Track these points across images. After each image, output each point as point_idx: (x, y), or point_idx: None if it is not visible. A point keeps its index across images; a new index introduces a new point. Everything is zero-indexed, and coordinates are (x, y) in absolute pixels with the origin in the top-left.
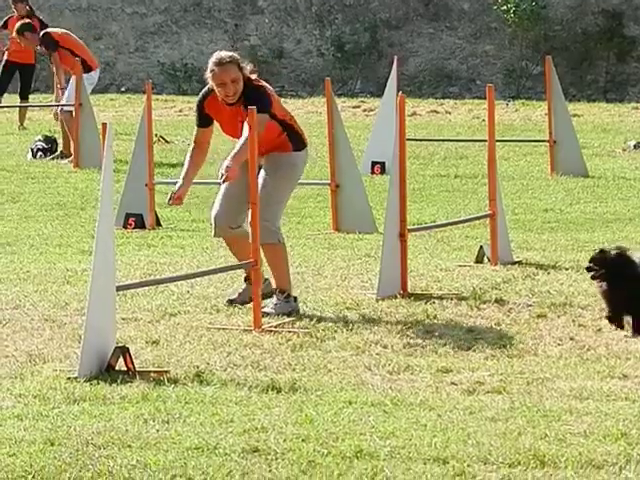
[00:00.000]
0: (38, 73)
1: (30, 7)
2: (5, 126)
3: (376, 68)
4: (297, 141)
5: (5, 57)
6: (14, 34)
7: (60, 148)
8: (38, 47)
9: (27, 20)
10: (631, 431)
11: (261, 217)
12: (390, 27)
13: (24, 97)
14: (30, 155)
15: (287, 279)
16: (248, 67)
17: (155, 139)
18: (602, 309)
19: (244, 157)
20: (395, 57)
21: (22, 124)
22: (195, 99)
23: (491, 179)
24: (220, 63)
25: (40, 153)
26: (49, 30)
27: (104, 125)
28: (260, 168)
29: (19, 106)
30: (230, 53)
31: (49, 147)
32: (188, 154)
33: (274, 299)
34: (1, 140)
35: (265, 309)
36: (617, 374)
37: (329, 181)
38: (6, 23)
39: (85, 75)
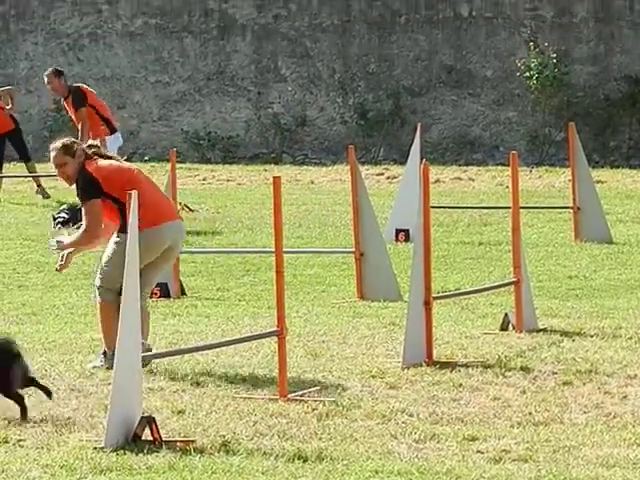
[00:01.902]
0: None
1: None
2: (29, 196)
3: (399, 135)
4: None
5: None
6: (47, 74)
7: None
8: (62, 98)
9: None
10: None
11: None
12: (413, 94)
13: (27, 159)
14: (55, 225)
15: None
16: (89, 151)
17: (179, 208)
18: (628, 376)
19: (78, 246)
20: (418, 124)
21: (41, 187)
22: (219, 167)
23: (515, 246)
24: (50, 149)
25: (59, 226)
26: (80, 85)
27: (129, 195)
28: None
29: (31, 175)
30: (64, 140)
31: (70, 217)
32: None
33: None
34: (25, 210)
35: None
36: None
37: (353, 249)
38: None
39: (113, 136)
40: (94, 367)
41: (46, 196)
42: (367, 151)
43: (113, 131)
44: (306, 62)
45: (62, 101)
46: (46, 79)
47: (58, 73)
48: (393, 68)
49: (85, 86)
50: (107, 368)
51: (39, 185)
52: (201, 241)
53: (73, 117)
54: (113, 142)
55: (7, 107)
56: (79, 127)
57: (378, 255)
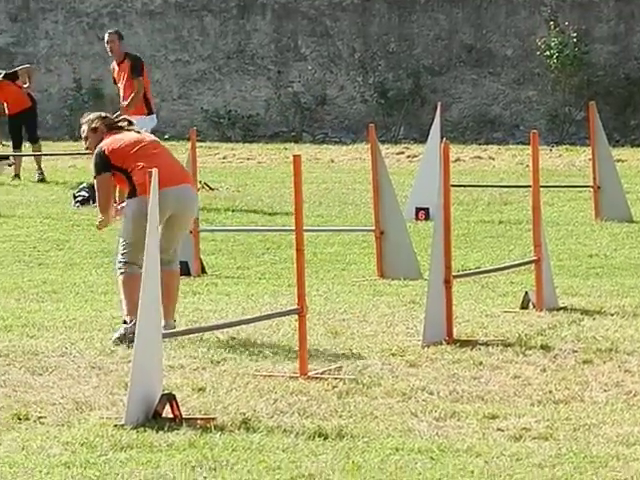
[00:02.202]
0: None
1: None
2: (50, 174)
3: (419, 114)
4: (132, 189)
5: (7, 113)
6: (110, 33)
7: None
8: (115, 62)
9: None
10: None
11: None
12: (433, 73)
13: (33, 141)
14: (75, 203)
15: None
16: (111, 124)
17: (199, 186)
18: None
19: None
20: (438, 103)
21: (41, 171)
22: (239, 146)
23: (536, 225)
24: (81, 122)
25: (78, 204)
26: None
27: (149, 172)
28: None
29: (57, 154)
30: (91, 115)
31: (90, 195)
32: None
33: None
34: (45, 188)
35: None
36: None
37: (373, 228)
38: None
39: (149, 117)
40: (117, 338)
41: (40, 178)
42: (387, 130)
43: (150, 112)
44: (326, 41)
45: (113, 65)
46: (107, 37)
47: (120, 36)
48: (413, 47)
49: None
50: (131, 335)
51: (40, 169)
52: (221, 219)
53: (120, 83)
54: (148, 123)
55: (25, 86)
56: (127, 95)
57: (398, 233)
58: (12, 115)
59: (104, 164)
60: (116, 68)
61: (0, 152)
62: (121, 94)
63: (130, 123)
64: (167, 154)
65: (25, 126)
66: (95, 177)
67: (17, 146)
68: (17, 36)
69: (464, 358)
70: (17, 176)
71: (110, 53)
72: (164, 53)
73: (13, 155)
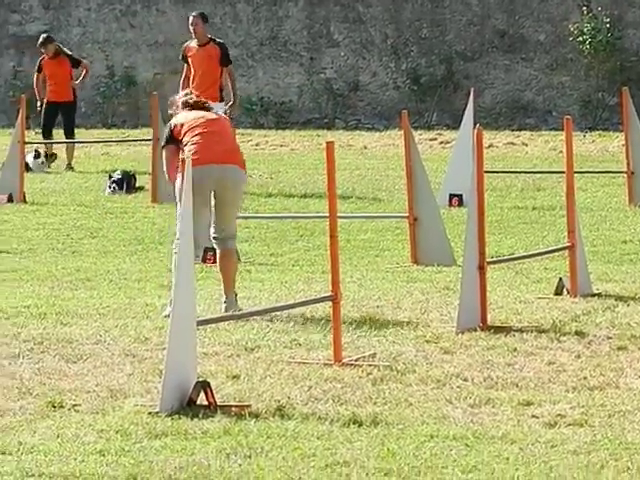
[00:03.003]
0: (115, 108)
1: (58, 46)
2: (83, 162)
3: (452, 100)
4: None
5: (45, 99)
6: (195, 15)
7: (137, 183)
8: (197, 45)
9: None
10: None
11: None
12: (466, 59)
13: (69, 134)
14: (108, 190)
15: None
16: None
17: None
18: None
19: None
20: (471, 89)
21: (70, 163)
22: (272, 133)
23: (570, 211)
24: None
25: (114, 185)
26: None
27: (182, 160)
28: None
29: (90, 141)
30: (173, 96)
31: (123, 181)
32: None
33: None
34: (79, 176)
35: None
36: None
37: (407, 214)
38: (40, 66)
39: (219, 105)
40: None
41: (49, 165)
42: (420, 116)
43: (221, 100)
44: (359, 27)
45: (191, 45)
46: (191, 19)
47: (205, 19)
48: (446, 33)
49: None
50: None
51: (52, 154)
52: (254, 206)
53: (196, 67)
54: (219, 110)
55: (76, 82)
56: (206, 80)
57: (432, 220)
58: (52, 102)
59: (168, 137)
60: (193, 50)
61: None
62: (194, 75)
63: (204, 103)
64: (220, 133)
65: (63, 119)
66: (162, 148)
67: (47, 133)
68: (50, 23)
69: (498, 344)
70: (53, 155)
71: (193, 35)
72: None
73: (44, 142)
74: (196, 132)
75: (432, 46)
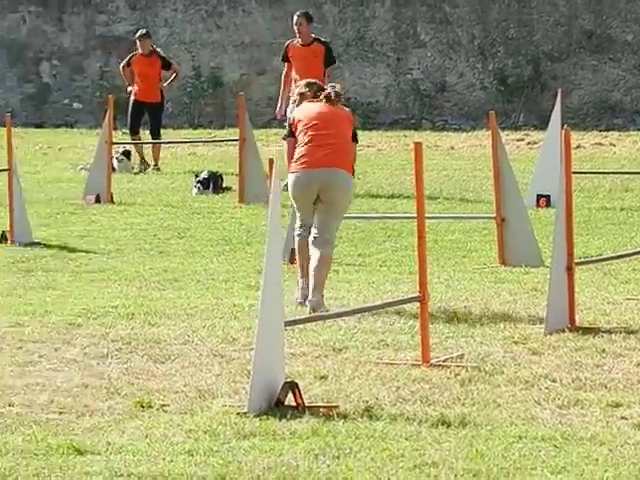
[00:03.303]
0: (202, 109)
1: (152, 45)
2: (170, 162)
3: (539, 101)
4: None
5: (132, 97)
6: (299, 14)
7: (224, 183)
8: (300, 44)
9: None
10: None
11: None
12: (553, 59)
13: (155, 135)
14: (195, 190)
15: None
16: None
17: None
18: None
19: None
20: (559, 90)
21: (157, 163)
22: (359, 133)
23: None
24: None
25: (201, 186)
26: None
27: (271, 160)
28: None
29: (177, 142)
30: (303, 81)
31: (209, 181)
32: None
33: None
34: (166, 176)
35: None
36: None
37: (494, 215)
38: (130, 62)
39: None
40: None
41: (141, 170)
42: (507, 117)
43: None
44: (445, 27)
45: (294, 44)
46: (295, 19)
47: (310, 18)
48: (533, 33)
49: None
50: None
51: (143, 160)
52: None
53: (298, 66)
54: None
55: (164, 84)
56: (315, 78)
57: (519, 220)
58: (139, 102)
59: (288, 130)
60: (295, 50)
61: (119, 140)
62: (296, 76)
63: (329, 96)
64: (332, 136)
65: (150, 119)
66: (283, 139)
67: (134, 132)
68: (137, 24)
69: (587, 346)
70: (143, 159)
71: (297, 35)
72: (282, 41)
73: (130, 143)
74: (308, 133)
75: (519, 46)
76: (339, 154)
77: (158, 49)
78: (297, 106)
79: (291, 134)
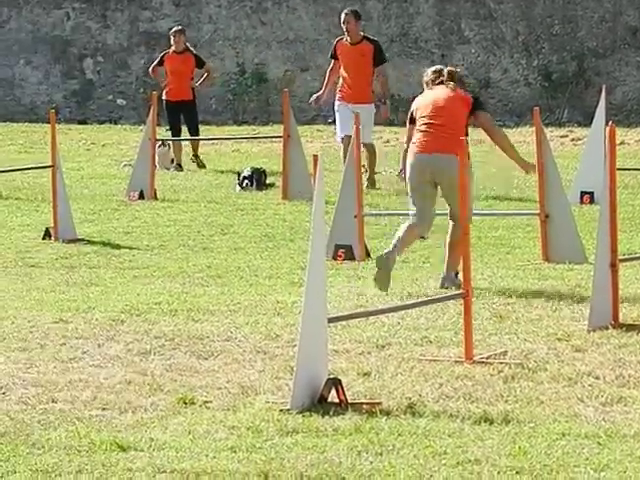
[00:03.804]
0: (245, 105)
1: (185, 43)
2: (213, 158)
3: (583, 97)
4: None
5: (164, 97)
6: (347, 12)
7: (268, 180)
8: (349, 42)
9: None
10: None
11: None
12: (597, 56)
13: (193, 134)
14: (239, 187)
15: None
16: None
17: (363, 170)
18: None
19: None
20: (603, 86)
21: (197, 155)
22: (403, 130)
23: None
24: None
25: (246, 182)
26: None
27: (315, 157)
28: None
29: (221, 138)
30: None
31: (253, 177)
32: None
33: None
34: (209, 172)
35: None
36: None
37: (538, 211)
38: (162, 60)
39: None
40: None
41: (201, 165)
42: (551, 113)
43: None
44: (490, 24)
45: (343, 43)
46: (343, 17)
47: (358, 16)
48: (577, 29)
49: None
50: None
51: (196, 155)
52: (385, 203)
53: (347, 65)
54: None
55: (197, 83)
56: (360, 79)
57: (563, 217)
58: (171, 102)
59: (410, 116)
60: (344, 48)
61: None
62: (345, 74)
63: (454, 80)
64: (443, 122)
65: (185, 119)
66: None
67: (175, 133)
68: (180, 20)
69: (630, 342)
70: (179, 166)
71: (346, 33)
72: (327, 37)
73: (175, 140)
74: (423, 120)
75: (563, 43)
76: (450, 139)
77: (191, 47)
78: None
79: (411, 121)
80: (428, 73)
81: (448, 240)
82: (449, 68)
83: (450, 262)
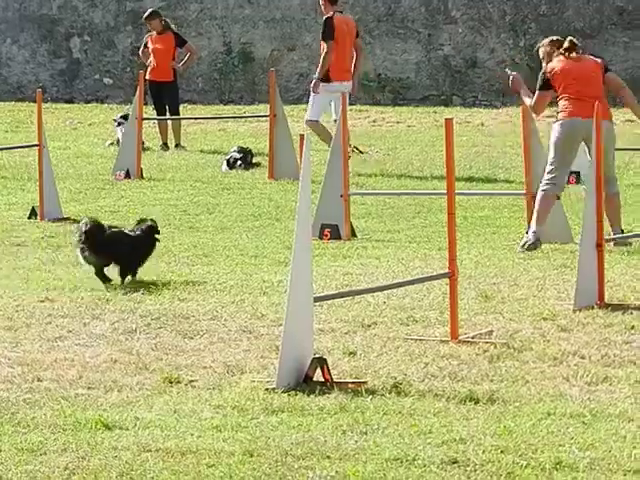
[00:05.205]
0: (232, 84)
1: (165, 21)
2: (199, 138)
3: None
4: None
5: (147, 77)
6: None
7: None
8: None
9: None
10: None
11: None
12: (584, 36)
13: (173, 115)
14: (225, 166)
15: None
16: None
17: (349, 150)
18: None
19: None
20: None
21: (178, 143)
22: (389, 109)
23: None
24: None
25: (239, 161)
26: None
27: (301, 136)
28: None
29: (207, 117)
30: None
31: (243, 157)
32: None
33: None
34: (195, 152)
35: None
36: None
37: (524, 191)
38: (146, 43)
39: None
40: (522, 246)
41: (165, 149)
42: None
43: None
44: (477, 4)
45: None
46: None
47: None
48: (564, 9)
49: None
50: (531, 244)
51: (177, 145)
52: (371, 183)
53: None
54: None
55: (179, 64)
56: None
57: None
58: (152, 82)
59: (542, 83)
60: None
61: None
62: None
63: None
64: (591, 90)
65: (166, 100)
66: (537, 91)
67: (159, 114)
68: (167, 0)
69: (616, 322)
70: (165, 145)
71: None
72: (314, 16)
73: (161, 119)
74: (571, 90)
75: (550, 23)
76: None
77: (173, 26)
78: (546, 63)
79: (544, 87)
80: (546, 43)
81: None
82: (571, 38)
83: (612, 219)
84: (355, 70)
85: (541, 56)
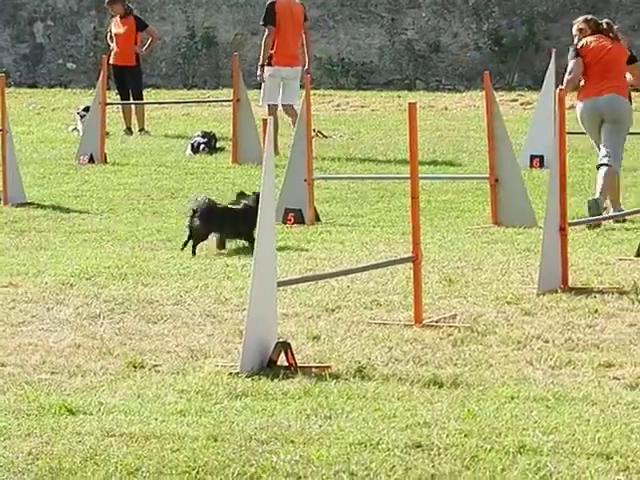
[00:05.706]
0: (196, 69)
1: (128, 6)
2: (163, 122)
3: (533, 61)
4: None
5: (110, 62)
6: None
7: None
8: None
9: None
10: None
11: None
12: (547, 20)
13: (137, 99)
14: (189, 150)
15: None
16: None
17: (313, 134)
18: None
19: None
20: (553, 50)
21: (142, 128)
22: (353, 93)
23: None
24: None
25: (203, 146)
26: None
27: (264, 121)
28: None
29: (170, 102)
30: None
31: (206, 142)
32: None
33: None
34: (159, 136)
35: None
36: None
37: (488, 175)
38: (111, 28)
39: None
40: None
41: (128, 134)
42: (501, 77)
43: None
44: None
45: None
46: None
47: None
48: None
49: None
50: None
51: (141, 129)
52: (335, 167)
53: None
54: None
55: (141, 49)
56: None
57: (513, 181)
58: (114, 66)
59: (576, 52)
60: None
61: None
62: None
63: (613, 32)
64: (613, 70)
65: (129, 85)
66: (570, 61)
67: (123, 98)
68: None
69: (579, 306)
70: (129, 129)
71: None
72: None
73: (124, 103)
74: (597, 65)
75: (514, 7)
76: (617, 82)
77: (134, 11)
78: (579, 40)
79: (578, 55)
80: (580, 21)
81: (601, 174)
82: (607, 20)
83: (602, 191)
84: (306, 54)
85: (574, 33)
